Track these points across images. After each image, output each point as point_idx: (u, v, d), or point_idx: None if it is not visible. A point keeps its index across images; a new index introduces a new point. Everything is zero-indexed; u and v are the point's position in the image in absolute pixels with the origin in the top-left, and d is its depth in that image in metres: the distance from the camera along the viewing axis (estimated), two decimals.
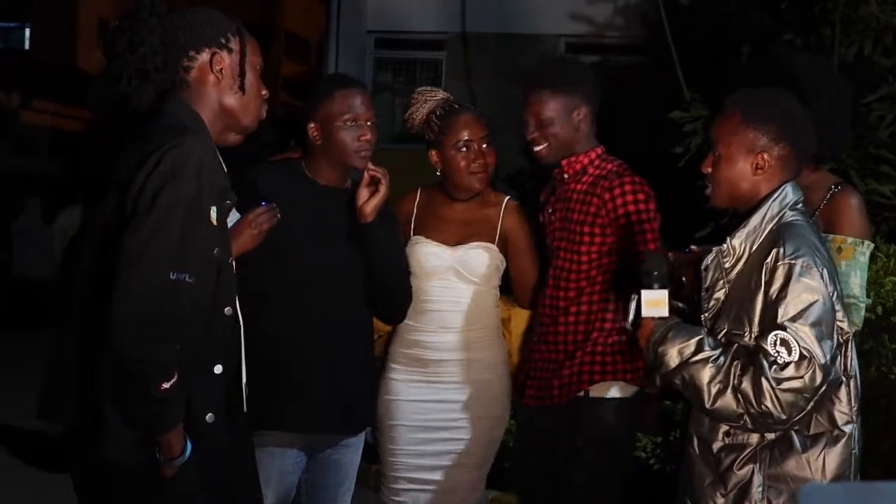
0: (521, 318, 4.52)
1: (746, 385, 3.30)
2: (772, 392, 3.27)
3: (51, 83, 25.48)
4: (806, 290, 3.32)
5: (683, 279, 3.71)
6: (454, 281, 4.37)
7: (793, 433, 3.44)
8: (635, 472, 6.06)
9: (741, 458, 3.48)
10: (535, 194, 4.69)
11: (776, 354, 3.27)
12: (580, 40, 13.80)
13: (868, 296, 4.19)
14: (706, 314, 3.56)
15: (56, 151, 23.97)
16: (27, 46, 30.59)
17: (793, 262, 3.34)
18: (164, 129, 3.11)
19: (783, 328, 3.29)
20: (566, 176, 4.33)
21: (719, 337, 3.47)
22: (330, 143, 4.10)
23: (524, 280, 4.45)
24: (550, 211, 4.40)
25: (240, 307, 3.31)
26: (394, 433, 4.40)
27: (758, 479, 3.46)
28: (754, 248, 3.46)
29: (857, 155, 7.32)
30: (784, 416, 3.31)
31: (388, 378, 4.43)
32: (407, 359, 4.41)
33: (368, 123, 4.11)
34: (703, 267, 3.57)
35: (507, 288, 4.52)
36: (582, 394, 4.25)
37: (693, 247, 3.69)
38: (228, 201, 3.24)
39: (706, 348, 3.39)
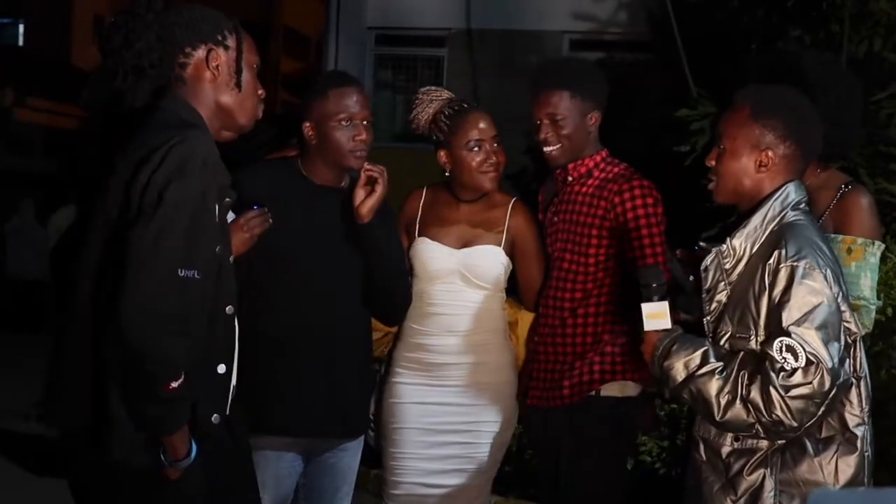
0: (528, 321, 4.47)
1: (755, 395, 3.27)
2: (781, 400, 3.24)
3: (45, 80, 25.48)
4: (809, 293, 3.28)
5: (692, 278, 3.65)
6: (459, 285, 4.33)
7: (804, 437, 3.39)
8: (641, 476, 6.04)
9: (751, 462, 3.44)
10: (538, 194, 4.65)
11: (783, 361, 3.24)
12: (584, 37, 13.78)
13: (878, 297, 4.14)
14: (708, 317, 3.52)
15: (50, 150, 23.98)
16: (21, 43, 30.63)
17: (795, 263, 3.30)
18: (163, 125, 3.11)
19: (788, 334, 3.26)
20: (570, 178, 4.34)
21: (723, 341, 3.44)
22: (325, 143, 4.06)
23: (531, 282, 4.41)
24: (553, 213, 4.39)
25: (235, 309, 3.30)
26: (398, 437, 4.36)
27: (769, 484, 3.42)
28: (755, 248, 3.43)
29: (866, 153, 7.30)
30: (795, 424, 3.28)
31: (393, 382, 4.39)
32: (411, 362, 4.37)
33: (364, 123, 4.07)
34: (702, 268, 3.53)
35: (512, 290, 4.47)
36: (593, 393, 4.24)
37: (703, 244, 3.62)
38: (227, 199, 3.22)
39: (712, 359, 3.37)
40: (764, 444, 3.41)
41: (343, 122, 4.03)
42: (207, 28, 3.27)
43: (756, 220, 3.44)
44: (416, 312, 4.34)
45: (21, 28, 30.78)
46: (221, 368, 3.21)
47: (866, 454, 3.44)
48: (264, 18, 31.87)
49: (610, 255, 4.24)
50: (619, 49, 12.90)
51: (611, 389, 4.24)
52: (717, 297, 3.49)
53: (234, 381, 3.31)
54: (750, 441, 3.43)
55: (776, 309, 3.29)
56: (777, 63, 4.42)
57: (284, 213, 3.98)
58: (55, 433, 3.24)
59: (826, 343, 3.25)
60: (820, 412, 3.30)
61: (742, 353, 3.36)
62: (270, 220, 3.88)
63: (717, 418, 3.34)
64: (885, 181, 7.36)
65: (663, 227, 4.23)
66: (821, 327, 3.25)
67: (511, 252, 4.36)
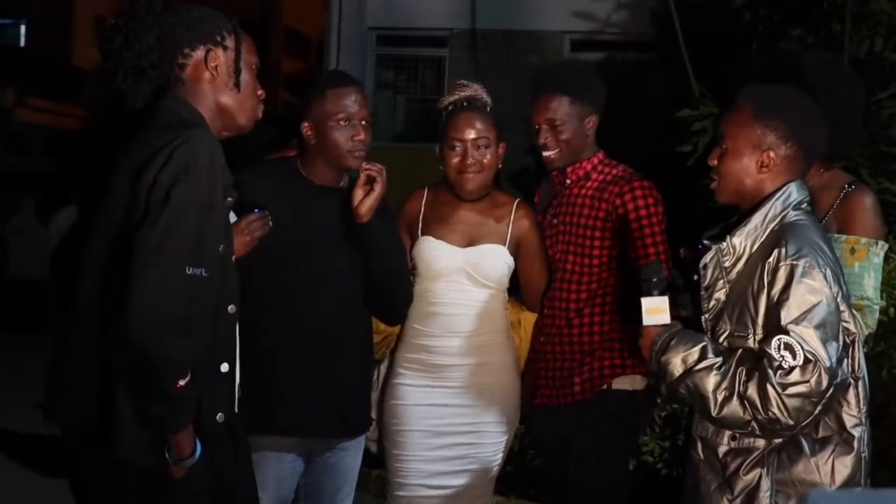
0: (530, 322, 4.48)
1: (752, 392, 3.26)
2: (778, 398, 3.23)
3: (46, 81, 25.46)
4: (809, 292, 3.27)
5: (695, 277, 3.63)
6: (464, 283, 4.32)
7: (801, 436, 3.39)
8: (643, 476, 6.03)
9: (748, 462, 3.44)
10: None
11: (780, 359, 3.24)
12: (586, 37, 13.76)
13: (881, 297, 4.14)
14: (706, 315, 3.52)
15: (51, 150, 23.95)
16: (22, 43, 30.59)
17: (795, 262, 3.30)
18: (165, 125, 3.12)
19: (786, 332, 3.25)
20: (569, 181, 4.36)
21: (722, 339, 3.44)
22: (323, 143, 4.06)
23: (534, 283, 4.41)
24: (552, 215, 4.40)
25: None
26: (402, 438, 4.35)
27: (766, 484, 3.41)
28: (755, 247, 3.43)
29: (868, 153, 7.30)
30: (792, 422, 3.27)
31: (395, 383, 4.38)
32: (414, 364, 4.36)
33: (363, 123, 4.06)
34: (701, 265, 3.53)
35: (514, 290, 4.48)
36: (605, 387, 4.27)
37: (706, 242, 3.61)
38: (230, 199, 3.23)
39: (710, 355, 3.37)
40: (761, 443, 3.41)
41: (341, 122, 4.03)
42: (206, 29, 3.29)
43: (757, 218, 3.43)
44: (418, 312, 4.34)
45: (22, 29, 30.75)
46: (224, 367, 3.22)
47: (863, 455, 3.43)
48: (265, 18, 31.85)
49: (613, 255, 4.25)
50: (620, 49, 12.90)
51: (622, 383, 4.27)
52: (716, 295, 3.49)
53: (237, 381, 3.32)
54: (747, 440, 3.42)
55: (775, 307, 3.29)
56: (778, 63, 4.43)
57: (284, 214, 3.98)
58: (57, 432, 3.24)
59: (824, 342, 3.24)
60: (816, 411, 3.30)
61: (740, 350, 3.35)
62: (271, 223, 3.88)
63: (714, 414, 3.34)
64: (886, 181, 7.36)
65: (664, 226, 4.25)
66: (819, 326, 3.25)
67: (515, 252, 4.36)
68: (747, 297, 3.37)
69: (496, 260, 4.32)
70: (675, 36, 8.39)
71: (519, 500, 6.66)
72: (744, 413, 3.28)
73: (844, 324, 3.37)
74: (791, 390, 3.22)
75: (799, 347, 3.22)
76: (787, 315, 3.26)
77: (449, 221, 4.38)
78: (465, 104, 4.36)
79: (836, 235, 3.94)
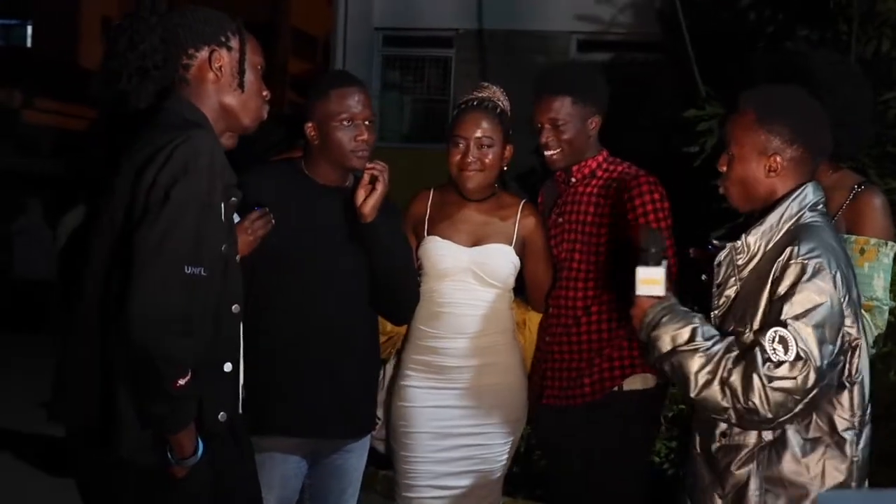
0: (536, 322, 4.48)
1: (735, 378, 3.26)
2: (762, 389, 3.22)
3: (53, 81, 25.50)
4: (816, 292, 3.26)
5: (703, 277, 3.63)
6: (470, 283, 4.32)
7: (791, 435, 3.38)
8: (649, 476, 6.02)
9: (738, 459, 3.44)
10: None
11: (772, 351, 3.23)
12: (592, 37, 13.75)
13: (891, 298, 4.12)
14: (716, 311, 3.52)
15: (58, 151, 23.98)
16: (29, 44, 30.63)
17: (806, 261, 3.29)
18: (167, 125, 3.13)
19: (784, 325, 3.24)
20: (574, 180, 4.36)
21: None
22: (327, 143, 4.06)
23: (540, 283, 4.41)
24: (557, 214, 4.40)
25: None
26: (409, 440, 4.35)
27: (754, 482, 3.41)
28: (769, 246, 3.42)
29: (874, 153, 7.27)
30: (770, 415, 3.26)
31: (403, 385, 4.38)
32: (422, 365, 4.35)
33: (366, 123, 4.06)
34: (715, 263, 3.52)
35: (520, 290, 4.47)
36: (616, 388, 4.25)
37: (716, 242, 3.61)
38: (233, 199, 3.24)
39: (699, 337, 3.35)
40: (751, 441, 3.40)
41: (345, 123, 4.02)
42: (210, 29, 3.29)
43: (772, 218, 3.43)
44: (425, 312, 4.34)
45: (29, 29, 30.80)
46: (228, 367, 3.22)
47: (855, 459, 3.41)
48: (272, 19, 31.86)
49: (619, 251, 4.22)
50: (626, 49, 12.89)
51: (633, 383, 4.26)
52: (727, 293, 3.48)
53: (241, 381, 3.33)
54: (737, 437, 3.42)
55: (778, 301, 3.28)
56: (784, 63, 4.42)
57: (288, 214, 3.98)
58: (62, 432, 3.25)
59: (820, 342, 3.23)
60: (797, 409, 3.28)
61: (731, 337, 3.35)
62: (273, 222, 3.89)
63: (692, 394, 3.33)
64: (894, 181, 7.32)
65: (671, 222, 4.25)
66: (818, 326, 3.24)
67: (520, 252, 4.35)
68: (755, 295, 3.37)
69: (502, 259, 4.32)
70: (681, 36, 8.39)
71: (525, 501, 6.66)
72: (721, 399, 3.27)
73: (847, 328, 3.35)
74: (776, 384, 3.21)
75: (793, 343, 3.21)
76: (789, 310, 3.25)
77: (455, 221, 4.38)
78: (475, 104, 4.36)
79: (846, 236, 3.94)
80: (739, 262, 3.45)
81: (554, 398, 4.35)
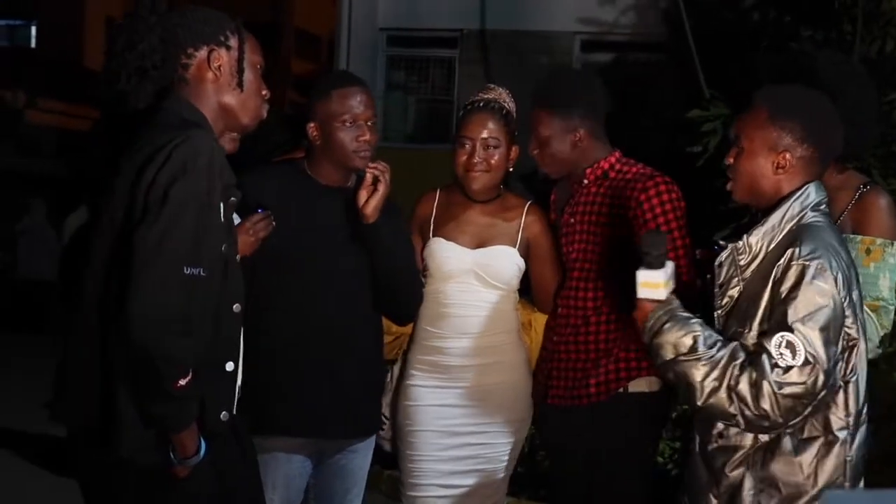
0: (541, 324, 4.46)
1: (744, 386, 3.25)
2: (772, 395, 3.22)
3: (57, 82, 25.54)
4: (818, 293, 3.26)
5: (709, 276, 3.63)
6: (474, 284, 4.32)
7: (786, 436, 3.38)
8: (652, 476, 6.01)
9: (733, 460, 3.44)
10: (551, 193, 4.63)
11: (779, 357, 3.22)
12: (595, 37, 13.75)
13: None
14: (719, 311, 3.51)
15: (61, 151, 24.01)
16: (33, 44, 30.66)
17: (807, 263, 3.29)
18: (166, 125, 3.13)
19: (790, 330, 3.24)
20: (586, 181, 4.32)
21: (728, 334, 3.42)
22: (329, 144, 4.05)
23: (545, 285, 4.40)
24: (569, 214, 4.37)
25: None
26: (414, 439, 4.35)
27: (749, 482, 3.41)
28: (771, 246, 3.41)
29: (879, 154, 7.26)
30: (781, 420, 3.27)
31: (408, 384, 4.38)
32: (427, 365, 4.36)
33: (368, 123, 4.06)
34: (716, 263, 3.52)
35: (525, 291, 4.47)
36: (622, 390, 4.23)
37: (722, 242, 3.60)
38: (233, 198, 3.23)
39: (701, 346, 3.34)
40: (747, 441, 3.40)
41: (347, 123, 4.02)
42: (209, 29, 3.29)
43: (774, 218, 3.42)
44: (430, 313, 4.34)
45: (33, 30, 30.83)
46: (230, 366, 3.22)
47: (848, 459, 3.40)
48: (275, 19, 31.87)
49: (630, 253, 4.18)
50: (630, 49, 12.90)
51: (639, 385, 4.23)
52: (730, 293, 3.48)
53: (240, 380, 3.33)
54: (733, 438, 3.42)
55: (781, 304, 3.28)
56: (788, 63, 4.42)
57: (290, 214, 3.99)
58: (63, 432, 3.25)
59: (826, 345, 3.23)
60: (806, 412, 3.29)
61: (734, 343, 3.33)
62: (274, 223, 3.89)
63: (699, 402, 3.32)
64: None
65: (683, 223, 4.20)
66: (823, 329, 3.24)
67: (525, 254, 4.35)
68: (758, 296, 3.36)
69: (506, 261, 4.32)
70: (684, 36, 8.39)
71: (529, 502, 6.66)
72: (729, 406, 3.27)
73: (847, 329, 3.35)
74: (787, 390, 3.21)
75: (801, 347, 3.21)
76: (793, 313, 3.25)
77: (459, 223, 4.38)
78: (481, 105, 4.36)
79: (852, 236, 3.94)
80: (742, 263, 3.45)
81: (559, 398, 4.34)
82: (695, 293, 3.84)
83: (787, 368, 3.21)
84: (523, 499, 6.63)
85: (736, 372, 3.26)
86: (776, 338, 3.23)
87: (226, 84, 3.30)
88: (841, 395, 3.39)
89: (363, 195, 3.98)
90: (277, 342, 3.98)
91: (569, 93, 4.32)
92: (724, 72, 7.84)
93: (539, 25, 13.99)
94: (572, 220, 4.34)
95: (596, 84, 4.41)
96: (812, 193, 3.44)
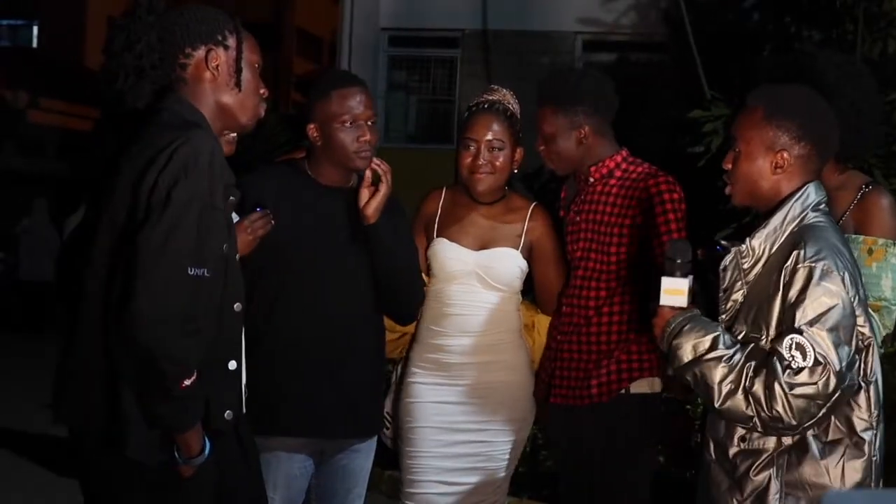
0: (545, 325, 4.46)
1: (758, 388, 3.24)
2: (784, 397, 3.20)
3: (58, 82, 25.54)
4: (825, 294, 3.24)
5: (711, 277, 3.61)
6: (476, 286, 4.32)
7: (810, 439, 3.36)
8: (654, 477, 6.00)
9: (758, 463, 3.41)
10: (556, 193, 4.65)
11: (791, 359, 3.20)
12: (597, 38, 13.75)
13: None
14: (723, 315, 3.49)
15: (63, 151, 24.02)
16: (35, 44, 30.65)
17: (813, 264, 3.26)
18: (166, 126, 3.13)
19: (799, 332, 3.22)
20: (592, 179, 4.32)
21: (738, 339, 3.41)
22: (330, 145, 4.04)
23: (549, 287, 4.40)
24: (576, 212, 4.37)
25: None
26: (414, 435, 4.35)
27: (775, 486, 3.38)
28: (774, 249, 3.39)
29: (881, 154, 7.25)
30: (794, 422, 3.24)
31: (409, 381, 4.38)
32: (429, 363, 4.36)
33: (368, 123, 4.04)
34: (721, 268, 3.50)
35: (528, 292, 4.46)
36: (623, 391, 4.23)
37: (724, 242, 3.60)
38: (232, 198, 3.23)
39: (720, 346, 3.33)
40: (770, 445, 3.38)
41: (347, 124, 4.01)
42: (207, 29, 3.28)
43: (776, 220, 3.40)
44: (433, 313, 4.34)
45: (35, 30, 30.82)
46: (232, 365, 3.24)
47: (874, 459, 3.39)
48: (277, 20, 31.90)
49: (632, 253, 4.21)
50: (631, 49, 12.89)
51: (640, 386, 4.23)
52: (734, 297, 3.46)
53: (244, 379, 3.33)
54: (756, 442, 3.40)
55: (790, 308, 3.26)
56: (789, 64, 4.40)
57: (290, 214, 3.98)
58: (66, 433, 3.25)
59: (836, 346, 3.21)
60: (820, 414, 3.27)
61: (752, 345, 3.33)
62: (273, 222, 3.88)
63: (716, 405, 3.31)
64: None
65: (684, 224, 4.19)
66: (833, 329, 3.22)
67: (528, 256, 4.35)
68: (764, 299, 3.35)
69: (509, 263, 4.32)
70: (685, 37, 8.38)
71: (531, 501, 6.66)
72: (746, 408, 3.26)
73: (859, 328, 3.33)
74: (798, 391, 3.19)
75: (810, 349, 3.19)
76: (802, 316, 3.23)
77: (463, 224, 4.38)
78: (486, 106, 4.36)
79: (854, 236, 3.93)
80: (745, 266, 3.43)
81: (561, 397, 4.33)
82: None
83: (798, 370, 3.19)
84: (525, 498, 6.63)
85: (751, 374, 3.25)
86: (786, 340, 3.22)
87: (224, 84, 3.29)
88: (863, 396, 3.38)
89: (364, 195, 3.99)
90: (278, 342, 3.97)
91: (573, 90, 4.32)
92: (725, 72, 7.83)
93: (541, 25, 13.99)
94: (578, 219, 4.34)
95: (602, 82, 4.40)
96: (812, 193, 3.42)
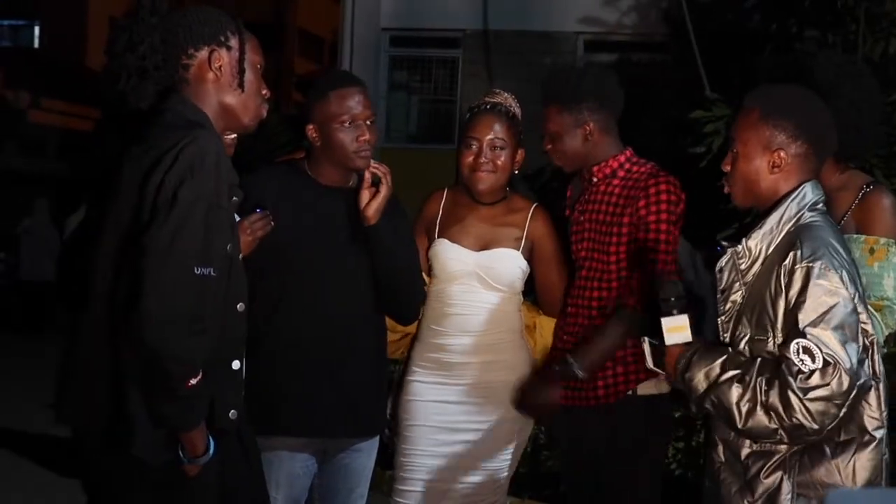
0: (546, 326, 4.45)
1: (774, 399, 3.23)
2: (800, 403, 3.20)
3: (60, 82, 25.54)
4: (825, 294, 3.24)
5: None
6: (476, 286, 4.33)
7: (822, 439, 3.34)
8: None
9: (769, 465, 3.41)
10: (558, 193, 4.65)
11: (800, 363, 3.20)
12: (598, 38, 13.75)
13: None
14: (722, 317, 3.50)
15: (65, 151, 24.02)
16: (36, 45, 30.64)
17: (810, 264, 3.27)
18: (170, 126, 3.13)
19: (804, 335, 3.22)
20: (595, 179, 4.32)
21: (743, 343, 3.41)
22: (329, 145, 4.05)
23: (550, 288, 4.40)
24: (580, 212, 4.37)
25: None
26: (412, 434, 4.36)
27: (787, 487, 3.38)
28: (770, 249, 3.40)
29: (882, 154, 7.24)
30: (817, 427, 3.23)
31: (409, 380, 4.39)
32: (429, 362, 4.37)
33: (367, 123, 4.05)
34: (717, 269, 3.52)
35: (530, 293, 4.46)
36: (630, 392, 4.22)
37: (725, 243, 3.60)
38: (235, 198, 3.25)
39: (730, 368, 3.34)
40: (782, 446, 3.38)
41: (346, 124, 4.01)
42: (209, 29, 3.29)
43: (772, 220, 3.41)
44: (434, 313, 4.35)
45: (36, 30, 30.81)
46: (236, 364, 3.26)
47: (884, 456, 3.41)
48: (278, 20, 31.91)
49: (631, 252, 4.20)
50: (632, 50, 12.89)
51: (647, 388, 4.22)
52: (732, 298, 3.47)
53: (244, 379, 3.34)
54: (768, 444, 3.39)
55: (792, 311, 3.26)
56: (789, 64, 4.41)
57: (290, 214, 3.99)
58: (69, 433, 3.25)
59: (843, 343, 3.21)
60: (841, 413, 3.25)
61: (760, 359, 3.32)
62: (272, 223, 3.89)
63: (739, 426, 3.31)
64: None
65: (679, 226, 4.19)
66: (837, 328, 3.22)
67: (529, 257, 4.36)
68: (765, 300, 3.35)
69: (509, 264, 4.32)
70: (687, 37, 8.38)
71: (532, 501, 6.66)
72: (769, 422, 3.25)
73: (863, 325, 3.33)
74: (812, 394, 3.19)
75: (818, 350, 3.19)
76: (804, 318, 3.23)
77: (464, 224, 4.39)
78: (488, 107, 4.37)
79: (855, 236, 3.93)
80: (742, 267, 3.44)
81: (567, 398, 4.31)
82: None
83: (809, 374, 3.19)
84: (526, 498, 6.63)
85: (765, 387, 3.25)
86: (793, 345, 3.21)
87: (227, 84, 3.31)
88: (873, 394, 3.38)
89: (365, 196, 3.99)
90: (279, 342, 3.98)
91: (576, 87, 4.31)
92: (727, 72, 7.82)
93: (542, 26, 13.99)
94: (581, 219, 4.34)
95: (605, 77, 4.39)
96: (808, 193, 3.43)
